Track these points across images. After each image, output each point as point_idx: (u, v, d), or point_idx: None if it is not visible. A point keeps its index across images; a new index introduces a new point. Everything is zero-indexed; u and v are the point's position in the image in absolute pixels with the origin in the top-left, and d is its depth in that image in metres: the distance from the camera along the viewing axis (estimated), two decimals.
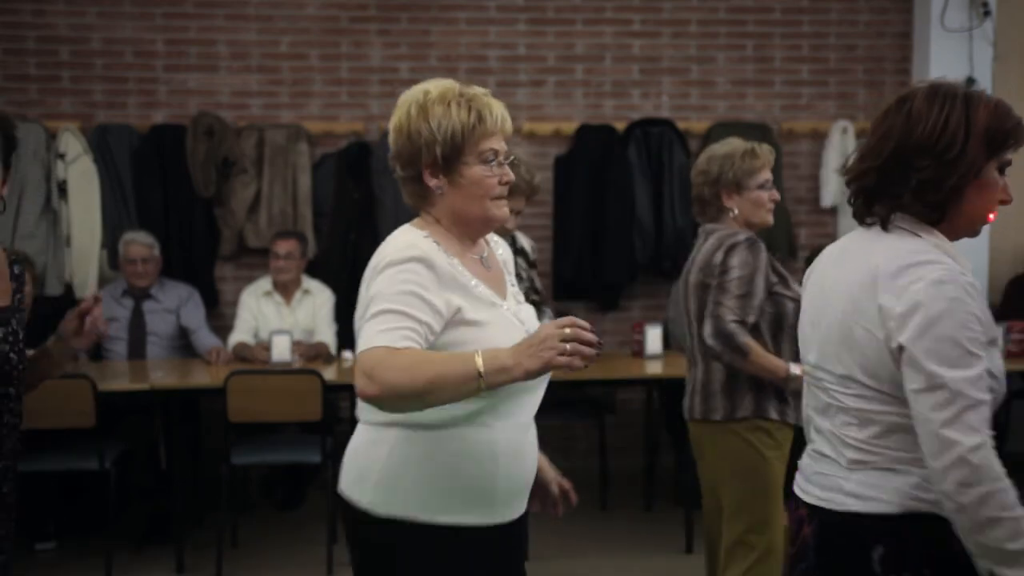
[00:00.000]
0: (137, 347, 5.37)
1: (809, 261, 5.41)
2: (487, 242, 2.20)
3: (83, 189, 5.68)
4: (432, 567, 2.03)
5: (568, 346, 1.78)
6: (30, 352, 2.47)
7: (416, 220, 2.13)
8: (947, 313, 1.79)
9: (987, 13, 5.98)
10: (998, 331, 1.91)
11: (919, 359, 1.79)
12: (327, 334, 5.39)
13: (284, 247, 5.41)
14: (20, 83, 5.91)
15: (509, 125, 2.09)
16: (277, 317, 5.41)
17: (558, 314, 5.90)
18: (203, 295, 5.64)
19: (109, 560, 4.46)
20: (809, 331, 2.05)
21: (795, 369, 3.14)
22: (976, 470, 1.75)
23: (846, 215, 6.31)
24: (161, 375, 4.93)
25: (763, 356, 3.18)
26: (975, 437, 1.76)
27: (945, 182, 1.86)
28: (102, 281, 5.68)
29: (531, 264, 4.25)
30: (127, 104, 5.99)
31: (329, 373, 4.86)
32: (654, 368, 5.14)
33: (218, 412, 4.63)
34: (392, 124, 2.09)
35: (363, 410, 2.09)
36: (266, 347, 5.07)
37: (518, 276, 4.06)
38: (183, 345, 5.46)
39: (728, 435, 3.27)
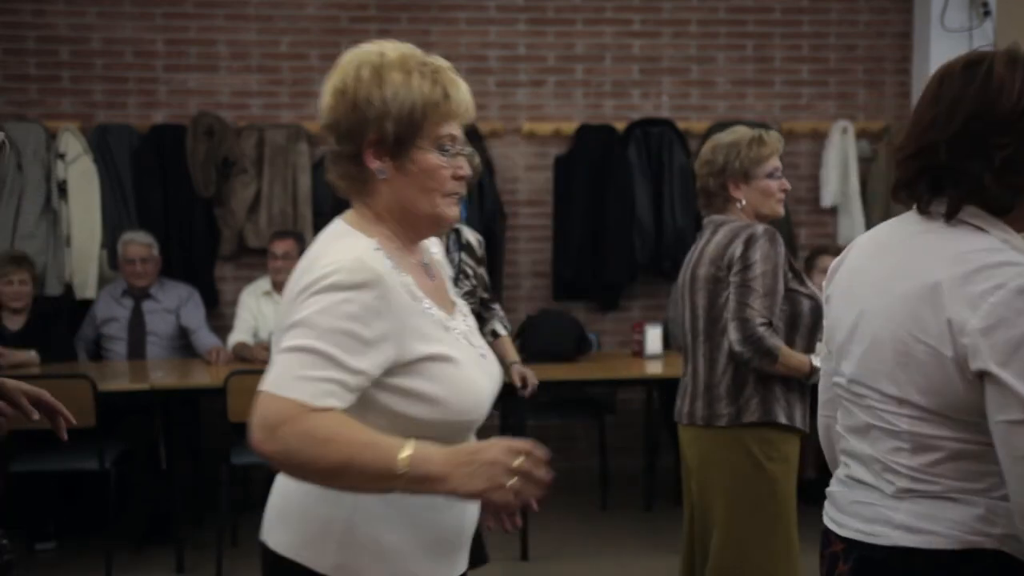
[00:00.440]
0: (137, 347, 5.37)
1: (809, 261, 5.49)
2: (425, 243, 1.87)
3: (83, 189, 5.68)
4: None
5: (514, 481, 1.49)
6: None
7: (352, 216, 1.75)
8: None
9: (987, 13, 5.97)
10: None
11: (1013, 386, 1.49)
12: None
13: (282, 247, 5.41)
14: (20, 83, 5.91)
15: (473, 110, 1.73)
16: (277, 317, 5.40)
17: (548, 312, 5.92)
18: (203, 295, 5.65)
19: (109, 560, 4.46)
20: (843, 339, 1.75)
21: (816, 361, 2.95)
22: None
23: (846, 215, 6.31)
24: (161, 375, 4.93)
25: (790, 356, 2.96)
26: None
27: None
28: (102, 281, 5.68)
29: (479, 260, 4.10)
30: (127, 104, 5.99)
31: None
32: (654, 368, 5.17)
33: (218, 412, 4.62)
34: (332, 85, 1.70)
35: None
36: (266, 347, 5.06)
37: (464, 274, 3.95)
38: (183, 345, 5.47)
39: (732, 444, 3.00)
